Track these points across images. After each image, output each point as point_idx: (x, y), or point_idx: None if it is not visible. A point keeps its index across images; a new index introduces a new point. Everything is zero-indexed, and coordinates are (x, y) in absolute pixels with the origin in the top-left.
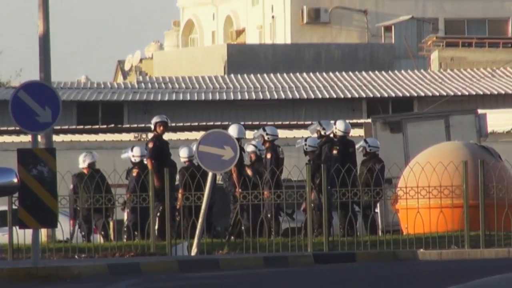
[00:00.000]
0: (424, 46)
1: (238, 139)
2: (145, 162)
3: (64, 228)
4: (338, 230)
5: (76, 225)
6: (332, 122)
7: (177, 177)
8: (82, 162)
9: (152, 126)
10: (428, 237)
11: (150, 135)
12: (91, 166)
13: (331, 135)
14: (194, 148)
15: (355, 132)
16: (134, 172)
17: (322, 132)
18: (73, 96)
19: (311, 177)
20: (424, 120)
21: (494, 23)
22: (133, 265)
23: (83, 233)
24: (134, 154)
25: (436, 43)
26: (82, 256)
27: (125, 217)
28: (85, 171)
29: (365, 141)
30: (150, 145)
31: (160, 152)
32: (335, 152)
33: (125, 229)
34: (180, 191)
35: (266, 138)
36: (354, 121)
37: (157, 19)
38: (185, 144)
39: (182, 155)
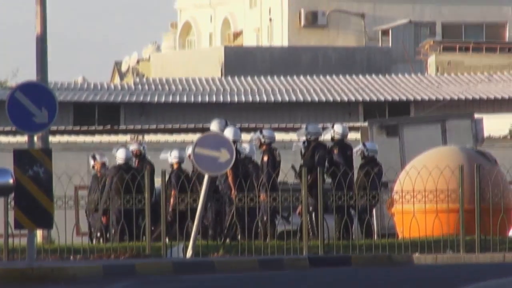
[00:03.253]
0: (421, 50)
1: (234, 142)
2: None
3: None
4: (333, 233)
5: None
6: (320, 126)
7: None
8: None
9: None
10: (423, 241)
11: (147, 136)
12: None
13: (328, 137)
14: (189, 150)
15: (352, 136)
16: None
17: (308, 137)
18: (69, 97)
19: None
20: (420, 124)
21: (491, 27)
22: (128, 267)
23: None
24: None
25: (433, 47)
26: (77, 257)
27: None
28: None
29: (364, 144)
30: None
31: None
32: (335, 153)
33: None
34: (173, 193)
35: (262, 141)
36: (351, 124)
37: (155, 20)
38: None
39: (173, 156)
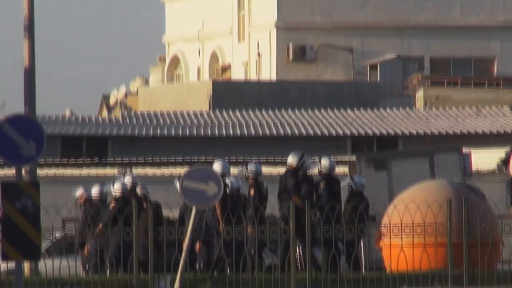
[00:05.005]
0: (410, 85)
1: (223, 175)
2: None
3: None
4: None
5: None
6: (290, 159)
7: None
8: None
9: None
10: (411, 275)
11: (134, 169)
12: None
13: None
14: (177, 183)
15: (340, 170)
16: (112, 204)
17: (247, 175)
18: (57, 130)
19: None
20: (408, 158)
21: (480, 62)
22: None
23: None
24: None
25: (421, 82)
26: None
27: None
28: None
29: (352, 178)
30: None
31: None
32: (321, 187)
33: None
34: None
35: (247, 175)
36: (339, 158)
37: (142, 54)
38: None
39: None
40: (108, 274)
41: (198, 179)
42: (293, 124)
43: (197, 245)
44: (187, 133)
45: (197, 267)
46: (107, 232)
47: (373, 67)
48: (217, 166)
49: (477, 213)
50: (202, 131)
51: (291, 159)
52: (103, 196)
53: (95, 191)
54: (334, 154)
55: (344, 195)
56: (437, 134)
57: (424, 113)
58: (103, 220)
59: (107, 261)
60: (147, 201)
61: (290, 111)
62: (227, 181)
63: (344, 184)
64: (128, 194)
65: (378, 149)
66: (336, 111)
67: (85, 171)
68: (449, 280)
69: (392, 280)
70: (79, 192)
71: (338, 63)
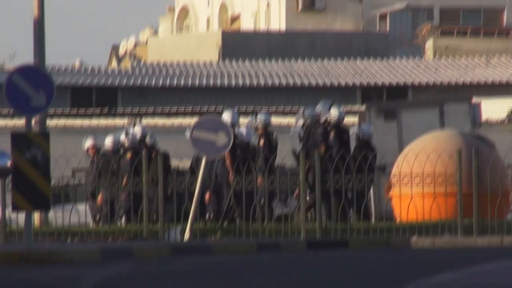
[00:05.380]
0: (419, 35)
1: (232, 125)
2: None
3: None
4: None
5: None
6: (319, 108)
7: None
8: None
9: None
10: (421, 225)
11: (144, 119)
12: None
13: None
14: (187, 133)
15: (349, 120)
16: (128, 155)
17: (304, 120)
18: (67, 80)
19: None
20: (418, 108)
21: (489, 12)
22: (125, 250)
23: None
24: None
25: (431, 32)
26: (74, 240)
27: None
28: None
29: (359, 127)
30: None
31: None
32: (331, 137)
33: (122, 214)
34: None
35: (257, 125)
36: (349, 108)
37: (152, 4)
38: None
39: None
40: (121, 224)
41: (208, 129)
42: (302, 74)
43: (207, 196)
44: (197, 83)
45: (207, 217)
46: (117, 184)
47: (383, 17)
48: (226, 116)
49: (487, 162)
50: (211, 81)
51: (297, 120)
52: (117, 147)
53: (109, 141)
54: (344, 104)
55: (352, 145)
56: (446, 84)
57: (433, 63)
58: (123, 171)
59: (119, 212)
60: (156, 151)
61: (299, 61)
62: (242, 130)
63: (352, 132)
64: (138, 145)
65: (388, 99)
66: (345, 61)
67: (94, 122)
68: (459, 230)
69: (402, 230)
70: (89, 142)
71: (347, 13)
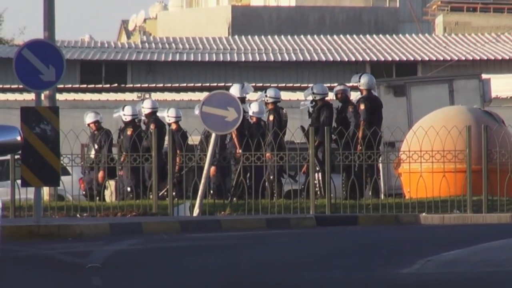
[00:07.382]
0: (429, 11)
1: (241, 99)
2: (136, 121)
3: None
4: (340, 192)
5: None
6: (327, 86)
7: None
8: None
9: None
10: (430, 201)
11: (154, 94)
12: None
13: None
14: (197, 109)
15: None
16: (129, 131)
17: (313, 97)
18: (76, 55)
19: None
20: (428, 84)
21: None
22: (134, 225)
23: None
24: (125, 113)
25: (440, 8)
26: (84, 215)
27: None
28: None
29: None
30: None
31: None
32: (361, 109)
33: (129, 189)
34: (178, 152)
35: (267, 100)
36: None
37: None
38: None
39: (170, 115)
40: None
41: (217, 105)
42: (312, 50)
43: (212, 170)
44: (206, 58)
45: (210, 191)
46: (128, 159)
47: None
48: (234, 90)
49: (497, 139)
50: (221, 56)
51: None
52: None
53: (128, 112)
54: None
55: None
56: (456, 60)
57: (443, 39)
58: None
59: (127, 188)
60: (165, 126)
61: (309, 37)
62: (253, 106)
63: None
64: (148, 120)
65: (397, 75)
66: (355, 37)
67: (104, 97)
68: (468, 206)
69: (411, 206)
70: (91, 118)
71: None
